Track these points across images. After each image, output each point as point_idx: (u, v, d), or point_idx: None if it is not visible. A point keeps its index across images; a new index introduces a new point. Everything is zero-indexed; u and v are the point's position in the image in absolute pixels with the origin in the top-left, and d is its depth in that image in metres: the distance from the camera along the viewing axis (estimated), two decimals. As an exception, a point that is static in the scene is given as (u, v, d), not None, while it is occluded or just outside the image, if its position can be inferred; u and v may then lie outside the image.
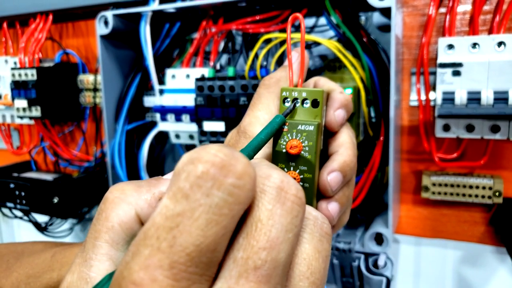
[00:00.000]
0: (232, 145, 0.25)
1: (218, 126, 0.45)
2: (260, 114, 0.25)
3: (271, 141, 0.24)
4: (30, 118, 0.61)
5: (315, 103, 0.24)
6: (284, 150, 0.24)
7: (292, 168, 0.24)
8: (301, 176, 0.23)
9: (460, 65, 0.39)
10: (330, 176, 0.24)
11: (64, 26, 0.67)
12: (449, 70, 0.40)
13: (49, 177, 0.64)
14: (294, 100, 0.25)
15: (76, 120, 0.66)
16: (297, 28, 0.49)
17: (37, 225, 0.69)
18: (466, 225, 0.48)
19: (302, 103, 0.24)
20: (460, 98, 0.39)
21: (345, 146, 0.25)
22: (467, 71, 0.39)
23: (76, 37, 0.66)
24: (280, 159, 0.24)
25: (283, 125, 0.23)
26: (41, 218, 0.71)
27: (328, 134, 0.26)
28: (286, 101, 0.25)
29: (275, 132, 0.22)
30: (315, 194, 0.24)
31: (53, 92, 0.60)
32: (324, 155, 0.25)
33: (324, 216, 0.20)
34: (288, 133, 0.24)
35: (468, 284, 0.50)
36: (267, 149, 0.24)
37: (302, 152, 0.23)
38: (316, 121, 0.24)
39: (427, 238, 0.50)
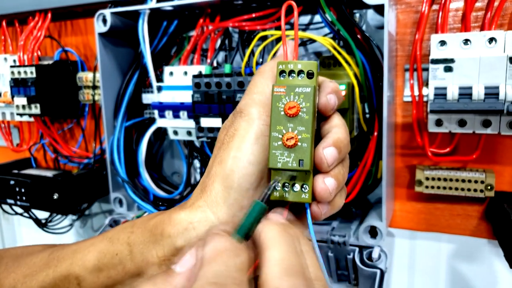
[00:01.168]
0: (228, 127, 0.27)
1: (215, 122, 0.45)
2: (256, 97, 0.27)
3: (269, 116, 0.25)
4: (30, 115, 0.62)
5: (310, 75, 0.25)
6: (282, 112, 0.25)
7: (290, 129, 0.25)
8: (299, 137, 0.24)
9: (452, 61, 0.40)
10: (326, 150, 0.25)
11: (63, 24, 0.68)
12: (441, 66, 0.40)
13: (49, 173, 0.64)
14: (290, 72, 0.26)
15: (75, 117, 0.67)
16: (292, 26, 0.49)
17: (37, 221, 0.70)
18: (459, 218, 0.49)
19: (298, 75, 0.25)
20: (452, 93, 0.40)
21: (338, 126, 0.27)
22: (458, 67, 0.40)
23: (75, 35, 0.67)
24: (279, 120, 0.25)
25: (264, 212, 0.23)
26: (42, 215, 0.72)
27: (321, 118, 0.27)
28: (282, 74, 0.26)
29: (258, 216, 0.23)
30: (312, 155, 0.25)
31: (52, 89, 0.60)
32: (318, 138, 0.27)
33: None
34: (286, 95, 0.25)
35: (461, 277, 0.51)
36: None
37: (300, 113, 0.24)
38: (312, 84, 0.25)
39: (421, 231, 0.51)
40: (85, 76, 0.62)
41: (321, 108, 0.26)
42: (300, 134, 0.24)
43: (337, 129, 0.26)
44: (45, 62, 0.62)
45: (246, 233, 0.21)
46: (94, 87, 0.61)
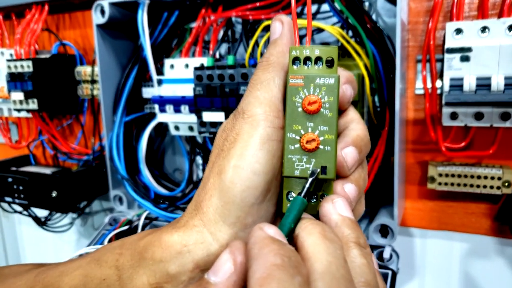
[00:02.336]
0: (228, 130, 0.24)
1: (217, 116, 0.43)
2: (260, 94, 0.23)
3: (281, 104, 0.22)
4: (27, 111, 0.60)
5: (329, 63, 0.22)
6: (300, 109, 0.21)
7: (310, 129, 0.21)
8: (321, 138, 0.21)
9: (469, 49, 0.38)
10: (345, 151, 0.22)
11: (60, 17, 0.66)
12: (457, 56, 0.38)
13: (47, 171, 0.63)
14: (306, 59, 0.22)
15: (74, 113, 0.65)
16: (299, 15, 0.47)
17: (36, 220, 0.69)
18: (473, 217, 0.47)
19: (315, 63, 0.22)
20: (469, 84, 0.37)
21: (355, 121, 0.23)
22: (476, 56, 0.37)
23: (73, 28, 0.65)
24: (296, 119, 0.21)
25: (304, 208, 0.20)
26: (41, 213, 0.70)
27: None
28: (296, 62, 0.22)
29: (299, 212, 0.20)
30: (336, 160, 0.21)
31: (50, 84, 0.58)
32: None
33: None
34: (304, 88, 0.21)
35: (474, 278, 0.49)
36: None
37: (322, 109, 0.21)
38: (335, 74, 0.21)
39: (433, 230, 0.49)
40: (84, 70, 0.60)
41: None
42: (323, 135, 0.21)
43: (355, 125, 0.23)
44: (43, 56, 0.60)
45: (287, 232, 0.19)
46: (93, 82, 0.59)
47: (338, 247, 0.18)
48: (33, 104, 0.57)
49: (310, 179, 0.21)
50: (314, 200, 0.22)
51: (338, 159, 0.21)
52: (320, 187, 0.22)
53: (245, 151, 0.22)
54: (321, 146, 0.21)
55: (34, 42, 0.60)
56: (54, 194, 0.58)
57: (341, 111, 0.24)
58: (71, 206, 0.59)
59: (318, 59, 0.22)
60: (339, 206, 0.21)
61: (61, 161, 0.69)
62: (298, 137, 0.21)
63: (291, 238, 0.19)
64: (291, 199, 0.22)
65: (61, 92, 0.60)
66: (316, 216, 0.21)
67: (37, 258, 0.84)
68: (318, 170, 0.21)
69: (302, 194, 0.20)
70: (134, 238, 0.24)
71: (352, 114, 0.24)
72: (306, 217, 0.20)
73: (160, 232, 0.23)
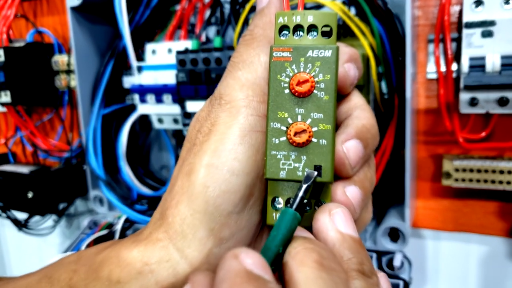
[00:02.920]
0: (202, 120, 0.19)
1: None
2: (241, 74, 0.18)
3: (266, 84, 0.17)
4: (1, 104, 0.55)
5: (326, 33, 0.17)
6: (286, 90, 0.16)
7: (300, 117, 0.16)
8: (315, 129, 0.16)
9: (492, 23, 0.32)
10: (347, 145, 0.17)
11: (38, 3, 0.61)
12: (478, 31, 0.33)
13: (25, 169, 0.58)
14: (297, 28, 0.17)
15: (54, 107, 0.60)
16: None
17: (16, 222, 0.64)
18: (493, 216, 0.42)
19: (308, 32, 0.17)
20: (492, 64, 0.32)
21: (360, 107, 0.18)
22: (500, 31, 0.32)
23: (52, 14, 0.60)
24: (281, 103, 0.16)
25: (296, 225, 0.15)
26: (22, 215, 0.65)
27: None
28: (284, 31, 0.17)
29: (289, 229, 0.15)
30: (334, 158, 0.16)
31: (24, 75, 0.53)
32: None
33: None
34: (292, 63, 0.16)
35: (493, 284, 0.44)
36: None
37: (315, 91, 0.16)
38: (333, 45, 0.16)
39: (447, 231, 0.44)
40: (61, 60, 0.55)
41: (338, 83, 0.18)
42: (316, 124, 0.16)
43: (360, 112, 0.19)
44: (17, 45, 0.55)
45: (273, 258, 0.14)
46: (69, 72, 0.54)
47: (340, 281, 0.13)
48: (6, 97, 0.53)
49: (304, 186, 0.16)
50: (308, 208, 0.17)
51: (339, 155, 0.17)
52: (314, 192, 0.17)
53: (221, 145, 0.17)
54: (314, 139, 0.16)
55: (7, 30, 0.55)
56: (30, 195, 0.53)
57: (342, 96, 0.19)
58: (49, 207, 0.54)
59: (311, 28, 0.17)
60: (338, 219, 0.16)
61: (41, 159, 0.64)
62: (284, 128, 0.17)
63: (279, 265, 0.14)
64: (278, 207, 0.17)
65: (37, 83, 0.55)
66: (310, 228, 0.16)
67: (21, 262, 0.79)
68: (316, 173, 0.16)
69: (294, 205, 0.15)
70: (91, 252, 0.20)
71: (356, 99, 0.19)
72: (299, 235, 0.15)
73: (119, 246, 0.18)
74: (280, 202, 0.17)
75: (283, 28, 0.17)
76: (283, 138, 0.17)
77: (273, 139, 0.17)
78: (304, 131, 0.16)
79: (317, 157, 0.16)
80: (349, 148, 0.17)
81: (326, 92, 0.16)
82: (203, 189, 0.17)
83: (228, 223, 0.17)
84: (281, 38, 0.17)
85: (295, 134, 0.16)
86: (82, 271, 0.19)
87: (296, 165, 0.16)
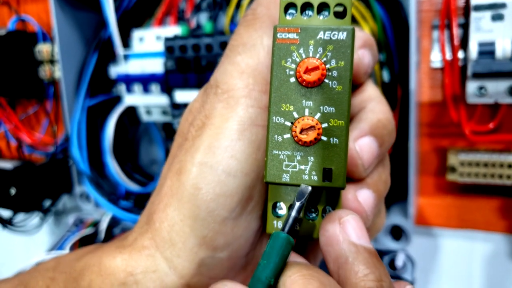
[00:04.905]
0: (196, 112, 0.17)
1: (193, 95, 0.36)
2: (241, 60, 0.16)
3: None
4: (-18, 96, 0.53)
5: (339, 13, 0.14)
6: (292, 79, 0.14)
7: (307, 111, 0.14)
8: (325, 125, 0.14)
9: (502, 6, 0.30)
10: (360, 142, 0.15)
11: (21, -11, 0.58)
12: (487, 14, 0.30)
13: (9, 165, 0.55)
14: (305, 6, 0.14)
15: (39, 99, 0.57)
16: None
17: (0, 220, 0.61)
18: (500, 213, 0.40)
19: (319, 12, 0.15)
20: (503, 49, 0.30)
21: (376, 100, 0.16)
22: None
23: (36, 2, 0.57)
24: (285, 94, 0.14)
25: (289, 250, 0.13)
26: (7, 213, 0.63)
27: None
28: (290, 10, 0.15)
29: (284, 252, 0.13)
30: (347, 160, 0.14)
31: (6, 65, 0.51)
32: None
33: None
34: (300, 46, 0.14)
35: (499, 284, 0.42)
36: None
37: (327, 80, 0.14)
38: (350, 26, 0.14)
39: (451, 229, 0.42)
40: (45, 49, 0.52)
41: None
42: (327, 120, 0.14)
43: (375, 105, 0.17)
44: (-2, 33, 0.52)
45: None
46: (53, 62, 0.51)
47: None
48: (-14, 88, 0.50)
49: (297, 204, 0.13)
50: (314, 215, 0.15)
51: (351, 155, 0.15)
52: (324, 198, 0.15)
53: (216, 141, 0.15)
54: (323, 138, 0.14)
55: (-13, 17, 0.52)
56: (13, 191, 0.50)
57: (355, 86, 0.17)
58: (33, 204, 0.52)
59: (322, 7, 0.15)
60: (350, 229, 0.13)
61: (27, 154, 0.62)
62: (288, 123, 0.14)
63: None
64: (280, 213, 0.14)
65: (20, 74, 0.52)
66: (316, 241, 0.14)
67: (7, 261, 0.77)
68: (310, 188, 0.13)
69: (286, 228, 0.13)
70: (71, 258, 0.18)
71: (371, 91, 0.17)
72: (294, 261, 0.13)
73: (101, 252, 0.17)
74: (282, 208, 0.15)
75: (289, 6, 0.15)
76: (287, 136, 0.14)
77: (275, 136, 0.14)
78: (312, 127, 0.14)
79: (327, 158, 0.14)
80: (363, 146, 0.15)
81: (340, 81, 0.14)
82: (195, 191, 0.15)
83: (222, 231, 0.15)
84: (287, 17, 0.15)
85: (301, 131, 0.14)
86: (60, 280, 0.17)
87: (302, 167, 0.14)
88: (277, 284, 0.12)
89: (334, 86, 0.14)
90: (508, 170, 0.36)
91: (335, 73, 0.14)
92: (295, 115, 0.14)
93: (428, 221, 0.42)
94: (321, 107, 0.14)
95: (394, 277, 0.34)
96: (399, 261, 0.33)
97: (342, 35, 0.14)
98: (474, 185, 0.39)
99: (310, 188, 0.14)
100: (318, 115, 0.14)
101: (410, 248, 0.35)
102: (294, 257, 0.14)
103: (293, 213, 0.13)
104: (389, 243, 0.34)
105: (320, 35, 0.14)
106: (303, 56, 0.14)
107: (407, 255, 0.34)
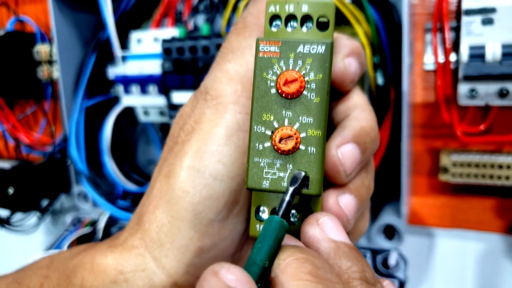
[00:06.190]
0: (186, 116, 0.17)
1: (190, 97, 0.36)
2: (231, 67, 0.17)
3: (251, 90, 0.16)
4: (-20, 96, 0.53)
5: (322, 24, 0.15)
6: (273, 90, 0.15)
7: (287, 121, 0.15)
8: (303, 135, 0.14)
9: (492, 10, 0.31)
10: (343, 149, 0.16)
11: (20, -10, 0.58)
12: (478, 18, 0.31)
13: (7, 165, 0.56)
14: (289, 18, 0.15)
15: (37, 99, 0.58)
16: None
17: (-1, 220, 0.62)
18: (492, 213, 0.40)
19: (302, 23, 0.15)
20: (493, 53, 0.31)
21: (360, 107, 0.17)
22: (501, 19, 0.31)
23: (34, 2, 0.57)
24: (266, 104, 0.15)
25: (283, 234, 0.13)
26: (4, 212, 0.63)
27: (333, 95, 0.17)
28: (275, 22, 0.16)
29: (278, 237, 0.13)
30: (323, 168, 0.15)
31: (4, 65, 0.51)
32: (329, 126, 0.17)
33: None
34: (280, 59, 0.15)
35: (492, 283, 0.43)
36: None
37: (305, 92, 0.14)
38: (327, 40, 0.14)
39: (444, 228, 0.43)
40: (44, 50, 0.53)
41: (336, 80, 0.17)
42: (305, 130, 0.15)
43: (359, 113, 0.17)
44: (-3, 34, 0.53)
45: (260, 273, 0.12)
46: (51, 62, 0.51)
47: None
48: (-15, 89, 0.50)
49: (291, 189, 0.14)
50: (295, 220, 0.15)
51: (333, 161, 0.15)
52: (302, 204, 0.15)
53: (204, 146, 0.16)
54: (301, 147, 0.15)
55: (-14, 18, 0.52)
56: (11, 191, 0.51)
57: (341, 94, 0.17)
58: (31, 204, 0.52)
59: (306, 19, 0.15)
60: (327, 228, 0.14)
61: (24, 154, 0.62)
62: (269, 132, 0.15)
63: (266, 281, 0.12)
64: (262, 217, 0.15)
65: (18, 75, 0.53)
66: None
67: (5, 260, 0.77)
68: (303, 173, 0.14)
69: (281, 212, 0.13)
70: (65, 256, 0.19)
71: (357, 98, 0.18)
72: (288, 244, 0.14)
73: (94, 251, 0.17)
74: (265, 211, 0.16)
75: (274, 18, 0.16)
76: (268, 144, 0.15)
77: (257, 144, 0.15)
78: (290, 137, 0.15)
79: (305, 166, 0.15)
80: (345, 153, 0.16)
81: (317, 93, 0.15)
82: (182, 194, 0.16)
83: (209, 232, 0.16)
84: (272, 29, 0.16)
85: (281, 140, 0.15)
86: (53, 277, 0.17)
87: (281, 174, 0.15)
88: (272, 266, 0.13)
89: (312, 98, 0.15)
90: (499, 170, 0.37)
91: (313, 85, 0.15)
92: (275, 124, 0.15)
93: (421, 221, 0.42)
94: (300, 118, 0.15)
95: (387, 276, 0.34)
96: (392, 260, 0.34)
97: (321, 49, 0.15)
98: (466, 185, 0.40)
99: (303, 173, 0.14)
100: (297, 125, 0.15)
101: (403, 247, 0.36)
102: (290, 240, 0.14)
103: (287, 197, 0.14)
104: (382, 242, 0.35)
105: (300, 48, 0.15)
106: (283, 68, 0.15)
107: (400, 254, 0.34)
